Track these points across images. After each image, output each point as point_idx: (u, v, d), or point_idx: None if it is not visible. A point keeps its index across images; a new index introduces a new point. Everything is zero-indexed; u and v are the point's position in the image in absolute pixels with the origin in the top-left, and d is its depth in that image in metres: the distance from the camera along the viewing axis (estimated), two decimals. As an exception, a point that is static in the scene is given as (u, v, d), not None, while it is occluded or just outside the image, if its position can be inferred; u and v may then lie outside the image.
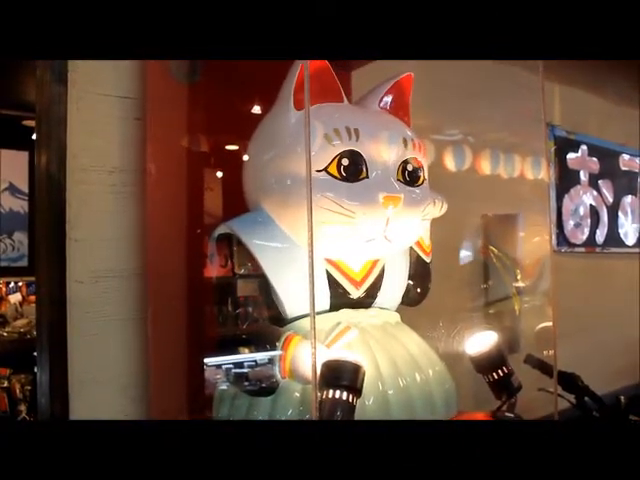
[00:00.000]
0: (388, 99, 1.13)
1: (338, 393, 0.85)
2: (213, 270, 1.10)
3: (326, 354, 0.90)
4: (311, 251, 0.83)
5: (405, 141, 1.03)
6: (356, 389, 0.87)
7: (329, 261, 1.04)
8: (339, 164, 0.97)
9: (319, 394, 0.85)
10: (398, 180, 1.02)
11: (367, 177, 0.98)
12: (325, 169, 0.96)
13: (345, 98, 1.08)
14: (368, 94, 1.16)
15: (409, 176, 1.03)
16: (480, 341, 1.14)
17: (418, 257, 1.17)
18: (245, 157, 1.12)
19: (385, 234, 0.99)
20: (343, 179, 0.97)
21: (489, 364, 1.12)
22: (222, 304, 1.05)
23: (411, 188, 1.03)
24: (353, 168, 0.97)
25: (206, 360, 1.22)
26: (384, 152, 1.00)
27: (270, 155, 1.05)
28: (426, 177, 1.07)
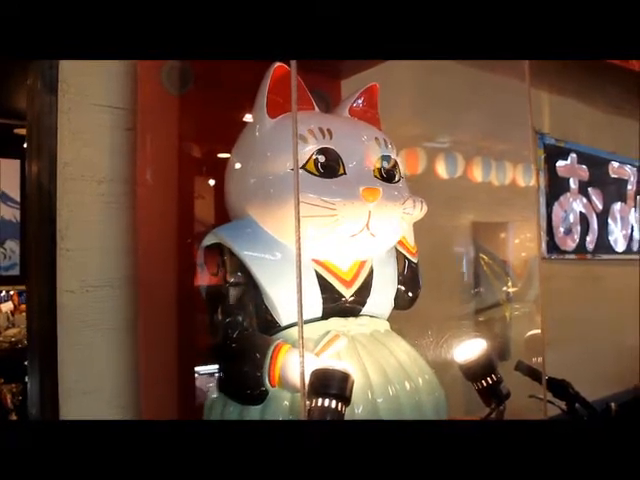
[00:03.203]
0: (357, 107, 1.18)
1: (327, 401, 0.85)
2: (203, 279, 1.10)
3: (315, 363, 0.90)
4: (298, 248, 0.83)
5: (377, 140, 1.07)
6: (345, 397, 0.86)
7: (317, 262, 1.05)
8: (316, 161, 0.99)
9: (308, 402, 0.85)
10: (375, 177, 1.04)
11: (345, 173, 1.01)
12: (303, 167, 0.98)
13: (316, 106, 1.12)
14: (337, 106, 1.21)
15: (385, 173, 1.06)
16: (469, 349, 1.15)
17: (405, 258, 1.18)
18: (229, 167, 1.13)
19: (368, 228, 1.00)
20: (321, 175, 0.99)
21: (478, 372, 1.13)
22: (212, 313, 1.05)
23: (388, 184, 1.05)
24: (330, 165, 1.00)
25: (196, 369, 1.22)
26: (358, 150, 1.03)
27: (250, 162, 1.07)
28: (402, 176, 1.10)
